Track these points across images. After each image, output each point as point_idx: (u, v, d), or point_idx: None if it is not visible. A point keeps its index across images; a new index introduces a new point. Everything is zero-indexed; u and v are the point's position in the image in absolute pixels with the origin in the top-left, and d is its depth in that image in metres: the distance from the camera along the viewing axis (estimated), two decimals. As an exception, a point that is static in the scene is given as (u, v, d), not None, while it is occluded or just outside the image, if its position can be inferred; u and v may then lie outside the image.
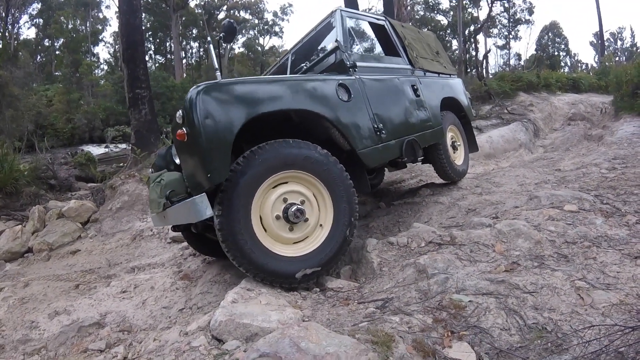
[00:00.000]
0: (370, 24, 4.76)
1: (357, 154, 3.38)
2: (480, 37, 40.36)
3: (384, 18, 4.96)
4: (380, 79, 4.06)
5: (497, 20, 42.60)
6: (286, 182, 2.98)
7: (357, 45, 4.31)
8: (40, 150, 12.53)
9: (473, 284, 2.51)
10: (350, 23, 4.20)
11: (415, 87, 4.61)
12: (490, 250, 2.99)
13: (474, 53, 32.77)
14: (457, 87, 5.85)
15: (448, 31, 40.74)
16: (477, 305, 2.29)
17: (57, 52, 37.89)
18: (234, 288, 2.80)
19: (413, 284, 2.68)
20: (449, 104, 5.55)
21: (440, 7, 40.07)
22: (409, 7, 15.95)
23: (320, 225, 3.11)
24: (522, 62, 45.37)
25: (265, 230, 2.91)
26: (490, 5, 26.61)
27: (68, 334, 3.48)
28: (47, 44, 38.95)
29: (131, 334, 3.32)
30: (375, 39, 4.91)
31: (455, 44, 40.29)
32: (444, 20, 40.80)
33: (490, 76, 23.27)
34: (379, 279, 2.98)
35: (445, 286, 2.55)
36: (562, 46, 51.30)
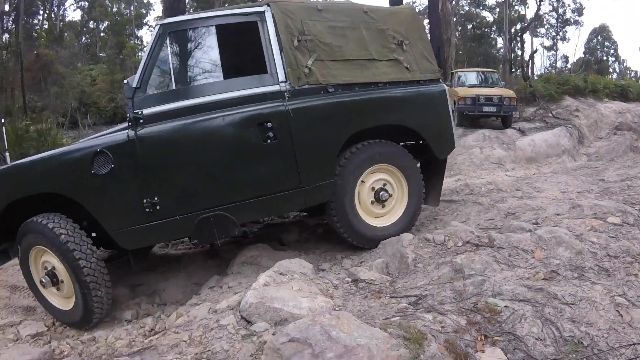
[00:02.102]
0: (220, 27, 3.27)
1: (111, 236, 2.93)
2: (527, 36, 38.90)
3: (262, 9, 3.25)
4: (181, 129, 3.00)
5: (544, 19, 40.93)
6: None
7: (173, 74, 3.13)
8: (83, 127, 12.95)
9: (510, 289, 2.45)
10: (178, 40, 3.27)
11: (268, 124, 3.07)
12: (529, 256, 2.90)
13: (519, 52, 31.68)
14: (416, 105, 3.68)
15: (493, 28, 39.52)
16: (512, 311, 2.23)
17: (102, 34, 38.83)
18: (267, 271, 2.82)
19: (448, 283, 2.62)
20: (392, 131, 3.66)
21: (486, 3, 38.80)
22: (453, 2, 15.63)
23: None
24: (569, 65, 43.58)
25: None
26: (538, 3, 25.64)
27: None
28: (92, 26, 39.91)
29: (160, 307, 3.39)
30: (218, 52, 3.33)
31: (500, 42, 39.10)
32: (489, 17, 39.57)
33: (536, 77, 22.51)
34: (412, 275, 2.92)
35: (481, 288, 2.48)
36: (611, 51, 48.99)
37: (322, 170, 3.26)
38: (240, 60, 3.79)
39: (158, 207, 2.89)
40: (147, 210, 2.88)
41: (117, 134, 2.99)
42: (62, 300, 3.04)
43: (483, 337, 2.07)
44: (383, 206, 3.63)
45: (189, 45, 3.43)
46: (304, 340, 1.86)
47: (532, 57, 28.33)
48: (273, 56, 3.18)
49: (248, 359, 2.07)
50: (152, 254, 4.47)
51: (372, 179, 3.57)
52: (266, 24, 3.20)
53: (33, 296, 3.34)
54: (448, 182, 6.60)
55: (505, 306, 2.28)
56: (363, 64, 3.46)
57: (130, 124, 2.91)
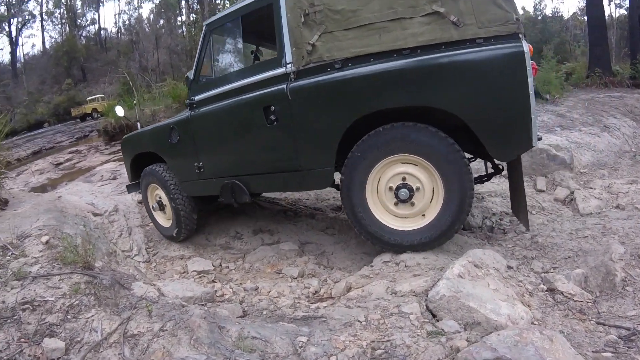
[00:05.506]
0: (245, 17, 3.28)
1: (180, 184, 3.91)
2: None
3: None
4: (213, 111, 3.47)
5: None
6: None
7: (213, 66, 3.63)
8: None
9: None
10: (219, 35, 3.64)
11: (271, 108, 3.01)
12: None
13: None
14: (459, 79, 2.54)
15: None
16: None
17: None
18: (461, 259, 2.33)
19: (668, 325, 2.05)
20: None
21: None
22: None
23: None
24: None
25: None
26: None
27: (267, 252, 3.58)
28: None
29: (326, 269, 3.18)
30: (242, 41, 3.75)
31: None
32: None
33: None
34: (620, 300, 2.41)
35: None
36: None
37: (320, 156, 2.95)
38: (264, 46, 4.13)
39: (202, 170, 3.64)
40: (197, 171, 3.66)
41: (184, 114, 3.78)
42: (165, 220, 4.18)
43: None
44: (410, 206, 2.80)
45: (224, 38, 3.83)
46: (515, 363, 1.50)
47: None
48: (283, 37, 2.98)
49: (434, 364, 1.68)
50: (324, 215, 4.36)
51: (393, 172, 2.81)
52: (280, 4, 2.97)
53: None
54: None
55: None
56: (383, 28, 2.66)
57: (190, 107, 3.67)
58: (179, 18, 40.36)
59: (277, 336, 1.77)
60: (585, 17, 15.89)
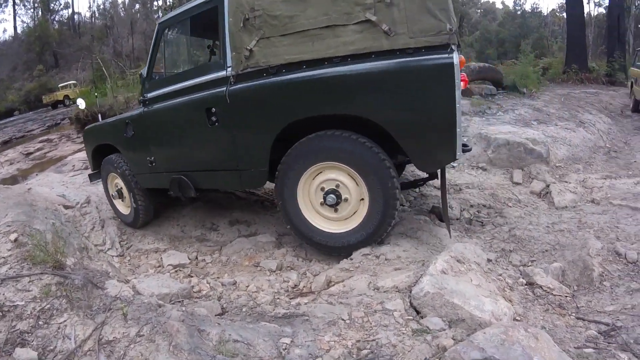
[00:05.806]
0: (193, 18, 3.36)
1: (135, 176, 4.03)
2: None
3: None
4: (163, 110, 3.61)
5: None
6: None
7: (164, 65, 3.77)
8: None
9: None
10: (172, 33, 3.77)
11: (212, 109, 3.13)
12: None
13: None
14: (383, 89, 2.55)
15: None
16: None
17: None
18: (443, 254, 2.32)
19: (645, 318, 2.09)
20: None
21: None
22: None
23: None
24: None
25: None
26: None
27: (244, 244, 3.52)
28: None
29: (305, 262, 3.12)
30: (190, 42, 4.21)
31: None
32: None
33: None
34: (597, 294, 2.48)
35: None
36: None
37: (254, 157, 3.09)
38: (211, 48, 4.18)
39: (154, 164, 3.78)
40: (149, 165, 3.81)
41: (138, 110, 3.93)
42: (124, 207, 4.26)
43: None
44: (336, 210, 2.91)
45: (175, 38, 3.98)
46: (504, 364, 1.51)
47: None
48: (225, 41, 3.04)
49: (421, 363, 1.66)
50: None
51: (323, 177, 2.90)
52: (224, 7, 3.01)
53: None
54: (628, 185, 5.34)
55: None
56: (316, 35, 2.68)
57: (142, 103, 3.81)
58: (155, 2, 39.44)
59: (260, 338, 1.71)
60: (564, 14, 16.19)
